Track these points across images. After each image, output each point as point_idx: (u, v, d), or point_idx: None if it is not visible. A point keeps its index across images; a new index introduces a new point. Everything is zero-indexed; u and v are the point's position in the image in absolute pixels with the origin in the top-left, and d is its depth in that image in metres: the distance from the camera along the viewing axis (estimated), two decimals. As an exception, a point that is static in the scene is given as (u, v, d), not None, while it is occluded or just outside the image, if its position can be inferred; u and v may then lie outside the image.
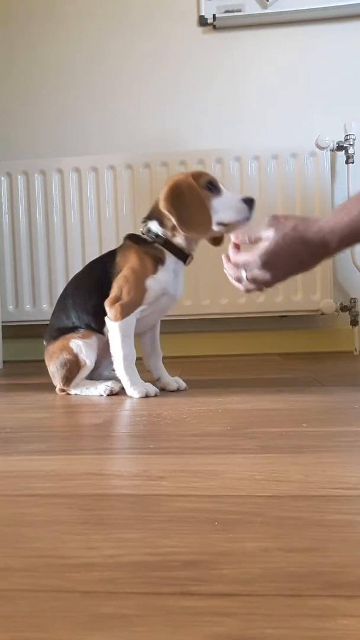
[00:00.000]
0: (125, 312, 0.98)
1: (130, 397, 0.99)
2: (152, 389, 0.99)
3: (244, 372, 1.32)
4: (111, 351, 1.00)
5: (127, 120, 1.87)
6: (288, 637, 0.25)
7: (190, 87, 1.84)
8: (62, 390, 1.08)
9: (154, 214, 1.02)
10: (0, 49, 1.91)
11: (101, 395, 1.02)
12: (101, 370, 1.14)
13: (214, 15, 1.78)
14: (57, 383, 1.08)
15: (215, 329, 1.85)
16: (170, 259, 1.01)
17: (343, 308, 1.73)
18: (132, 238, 1.05)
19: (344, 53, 1.78)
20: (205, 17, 1.80)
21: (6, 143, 1.92)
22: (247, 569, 0.31)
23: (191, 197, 0.96)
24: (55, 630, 0.26)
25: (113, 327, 0.99)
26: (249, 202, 0.96)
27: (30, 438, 0.68)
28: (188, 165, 1.71)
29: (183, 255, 1.02)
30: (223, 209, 0.97)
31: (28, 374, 1.47)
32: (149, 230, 1.02)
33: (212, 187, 0.98)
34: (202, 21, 1.80)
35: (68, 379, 1.05)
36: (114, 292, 1.00)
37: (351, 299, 1.75)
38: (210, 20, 1.79)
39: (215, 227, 0.98)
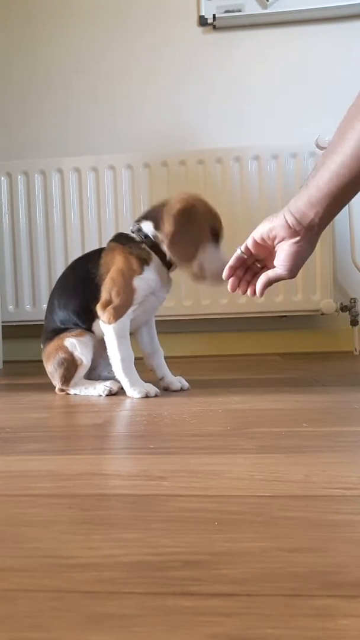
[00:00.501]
0: (117, 314, 0.98)
1: (131, 397, 0.99)
2: (152, 389, 0.99)
3: (244, 372, 1.32)
4: (108, 354, 1.01)
5: (127, 120, 1.87)
6: (288, 637, 0.25)
7: (190, 87, 1.84)
8: (62, 390, 1.08)
9: (152, 215, 1.01)
10: (0, 49, 1.91)
11: (100, 396, 1.02)
12: (99, 370, 1.14)
13: (214, 15, 1.78)
14: (56, 383, 1.08)
15: (215, 329, 1.85)
16: (155, 260, 1.01)
17: (343, 308, 1.73)
18: (118, 239, 1.05)
19: (344, 53, 1.78)
20: (205, 17, 1.80)
21: (6, 143, 1.91)
22: (247, 569, 0.31)
23: (195, 226, 0.95)
24: (55, 630, 0.26)
25: (108, 330, 0.99)
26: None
27: (30, 438, 0.68)
28: (188, 165, 1.71)
29: (167, 262, 1.02)
30: (209, 261, 0.97)
31: (28, 374, 1.47)
32: (139, 230, 1.02)
33: (215, 235, 0.99)
34: (202, 21, 1.80)
35: (66, 378, 1.05)
36: (103, 295, 1.00)
37: (351, 299, 1.75)
38: (210, 20, 1.79)
39: (193, 269, 0.98)
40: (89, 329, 1.06)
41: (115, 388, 1.03)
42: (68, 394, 1.07)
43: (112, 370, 1.04)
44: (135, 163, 1.74)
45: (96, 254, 1.06)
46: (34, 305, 1.80)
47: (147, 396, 0.98)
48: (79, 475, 0.51)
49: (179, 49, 1.84)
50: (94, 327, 1.05)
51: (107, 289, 1.00)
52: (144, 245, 1.01)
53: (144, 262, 1.00)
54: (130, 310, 1.00)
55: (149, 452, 0.59)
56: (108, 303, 0.99)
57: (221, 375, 1.28)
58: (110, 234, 1.74)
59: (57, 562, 0.33)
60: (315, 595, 0.28)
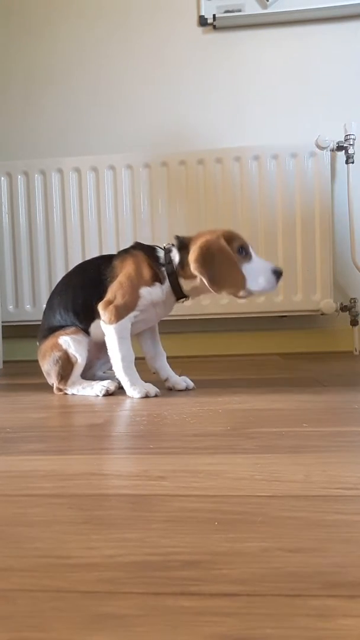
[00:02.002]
0: (119, 314, 0.98)
1: (131, 397, 0.99)
2: (152, 389, 0.99)
3: (244, 372, 1.32)
4: (109, 353, 1.00)
5: (127, 120, 1.87)
6: (288, 637, 0.25)
7: (190, 87, 1.84)
8: (60, 390, 1.08)
9: (184, 247, 1.00)
10: (0, 49, 1.91)
11: (97, 396, 1.02)
12: (94, 370, 1.14)
13: (214, 15, 1.78)
14: (53, 381, 1.08)
15: (215, 329, 1.85)
16: (166, 286, 1.01)
17: (343, 308, 1.73)
18: (141, 247, 1.04)
19: (344, 53, 1.78)
20: (205, 17, 1.80)
21: (6, 143, 1.92)
22: (247, 569, 0.31)
23: (222, 258, 0.94)
24: (55, 630, 0.26)
25: (108, 330, 0.99)
26: (278, 274, 0.96)
27: (30, 438, 0.68)
28: (188, 165, 1.71)
29: (179, 294, 1.02)
30: (254, 276, 0.96)
31: (28, 374, 1.47)
32: (169, 251, 1.02)
33: (244, 251, 0.97)
34: (202, 21, 1.80)
35: (62, 377, 1.06)
36: (107, 296, 1.00)
37: (351, 299, 1.75)
38: (210, 20, 1.79)
39: (242, 292, 0.97)
40: (85, 330, 1.06)
41: (112, 388, 1.03)
42: (66, 393, 1.07)
43: (107, 370, 1.04)
44: (135, 163, 1.74)
45: (109, 258, 1.06)
46: (34, 305, 1.80)
47: (147, 396, 0.98)
48: (78, 475, 0.51)
49: (179, 49, 1.84)
50: (92, 328, 1.05)
51: (113, 291, 1.00)
52: (163, 268, 1.01)
53: (158, 279, 1.00)
54: (132, 314, 0.99)
55: (149, 452, 0.59)
56: (110, 303, 0.99)
57: (221, 375, 1.28)
58: (110, 234, 1.76)
59: (57, 562, 0.33)
60: (315, 595, 0.28)
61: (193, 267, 0.95)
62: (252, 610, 0.27)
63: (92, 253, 1.75)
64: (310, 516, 0.39)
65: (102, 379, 1.12)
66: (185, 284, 1.00)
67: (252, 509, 0.41)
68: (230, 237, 0.98)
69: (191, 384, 1.07)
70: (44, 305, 1.77)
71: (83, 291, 1.05)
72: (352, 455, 0.55)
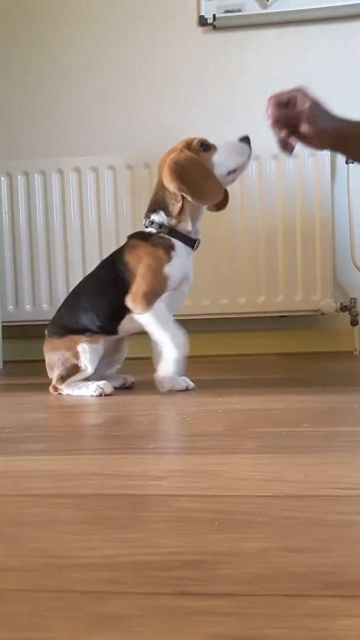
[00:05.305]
0: (148, 300, 0.99)
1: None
2: (180, 383, 1.02)
3: (244, 372, 1.32)
4: (155, 340, 1.01)
5: (127, 120, 1.87)
6: (288, 637, 0.25)
7: (190, 87, 1.84)
8: (55, 389, 1.08)
9: (158, 204, 1.03)
10: (1, 50, 1.91)
11: (92, 396, 1.02)
12: (99, 369, 1.14)
13: (214, 15, 1.78)
14: (53, 378, 1.08)
15: (216, 329, 1.85)
16: (179, 244, 1.01)
17: (343, 308, 1.73)
18: (137, 236, 1.05)
19: (344, 53, 1.78)
20: (205, 17, 1.80)
21: (6, 143, 1.91)
22: (247, 569, 0.31)
23: (194, 167, 0.97)
24: (55, 630, 0.26)
25: (144, 319, 0.99)
26: (245, 139, 0.99)
27: (30, 438, 0.68)
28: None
29: (190, 241, 1.03)
30: (227, 158, 0.99)
31: (28, 374, 1.47)
32: (152, 222, 1.03)
33: (206, 146, 1.01)
34: (202, 21, 1.80)
35: (63, 378, 1.06)
36: (133, 289, 1.00)
37: (351, 299, 1.75)
38: (210, 20, 1.79)
39: (227, 180, 1.00)
40: (113, 331, 1.06)
41: (107, 390, 1.03)
42: (60, 393, 1.07)
43: (110, 370, 1.04)
44: (135, 163, 1.74)
45: (119, 254, 1.06)
46: (34, 305, 1.80)
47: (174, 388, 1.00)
48: (79, 475, 0.51)
49: (179, 49, 1.84)
50: (121, 325, 1.05)
51: (137, 283, 1.00)
52: (162, 234, 1.01)
53: (170, 248, 1.00)
54: (164, 296, 1.00)
55: (149, 452, 0.59)
56: (138, 291, 0.99)
57: (221, 375, 1.28)
58: (110, 234, 1.76)
59: (57, 562, 0.33)
60: (315, 595, 0.28)
61: (172, 187, 0.97)
62: (252, 610, 0.27)
63: (92, 253, 1.75)
64: (310, 516, 0.39)
65: (102, 378, 1.12)
66: (184, 224, 1.01)
67: (252, 509, 0.41)
68: (188, 143, 1.01)
69: (191, 384, 1.07)
70: (44, 305, 1.78)
71: (108, 293, 1.05)
72: (352, 455, 0.55)
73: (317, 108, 0.91)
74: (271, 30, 1.80)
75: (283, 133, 0.91)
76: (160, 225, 1.02)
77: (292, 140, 0.93)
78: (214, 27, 1.80)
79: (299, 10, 1.75)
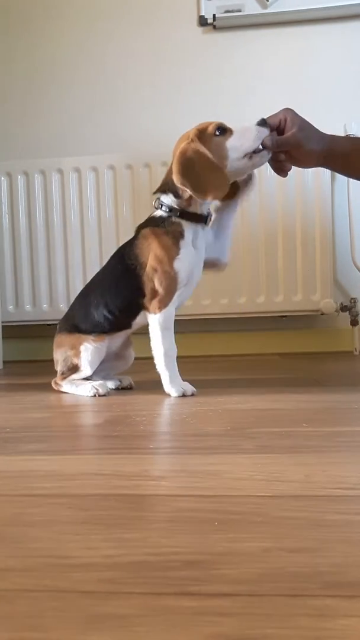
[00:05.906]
0: (163, 302, 0.99)
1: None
2: (189, 388, 0.99)
3: (244, 372, 1.32)
4: (152, 346, 1.00)
5: (127, 120, 1.87)
6: (288, 637, 0.25)
7: (190, 87, 1.84)
8: (56, 384, 1.10)
9: (167, 187, 1.00)
10: (0, 49, 1.91)
11: (87, 396, 1.03)
12: (100, 370, 1.14)
13: (214, 15, 1.78)
14: (57, 372, 1.11)
15: (216, 329, 1.84)
16: (188, 230, 1.00)
17: (343, 308, 1.73)
18: (147, 224, 1.03)
19: (344, 53, 1.78)
20: (205, 17, 1.80)
21: (6, 143, 1.91)
22: (247, 569, 0.31)
23: (200, 162, 0.94)
24: (55, 630, 0.26)
25: (153, 320, 1.00)
26: (262, 122, 0.96)
27: (30, 438, 0.68)
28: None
29: (202, 218, 1.01)
30: (242, 141, 0.95)
31: (28, 374, 1.47)
32: (161, 205, 1.01)
33: (222, 130, 0.96)
34: (202, 21, 1.80)
35: (64, 374, 1.08)
36: (148, 285, 0.99)
37: (351, 299, 1.75)
38: (210, 20, 1.79)
39: (244, 164, 0.96)
40: (127, 325, 1.05)
41: (102, 391, 1.02)
42: (60, 390, 1.09)
43: (110, 372, 1.04)
44: (135, 163, 1.74)
45: (129, 246, 1.05)
46: (34, 305, 1.80)
47: (183, 395, 0.98)
48: (79, 475, 0.51)
49: (179, 49, 1.84)
50: (136, 320, 1.04)
51: (150, 279, 0.99)
52: (173, 218, 1.00)
53: (180, 236, 0.99)
54: (175, 297, 1.00)
55: (149, 452, 0.59)
56: (155, 293, 0.99)
57: (221, 375, 1.28)
58: (110, 234, 1.76)
59: (57, 562, 0.33)
60: (315, 595, 0.28)
61: (176, 180, 0.95)
62: (252, 610, 0.27)
63: (92, 253, 1.75)
64: (310, 516, 0.39)
65: (103, 378, 1.12)
66: (194, 207, 0.99)
67: (252, 509, 0.41)
68: (203, 130, 0.97)
69: (193, 390, 1.06)
70: (44, 305, 1.78)
71: (121, 289, 1.04)
72: (352, 455, 0.55)
73: (305, 130, 0.94)
74: (271, 30, 1.80)
75: (278, 158, 0.95)
76: (171, 209, 1.00)
77: (286, 164, 0.97)
78: (214, 27, 1.80)
79: (298, 10, 1.75)
